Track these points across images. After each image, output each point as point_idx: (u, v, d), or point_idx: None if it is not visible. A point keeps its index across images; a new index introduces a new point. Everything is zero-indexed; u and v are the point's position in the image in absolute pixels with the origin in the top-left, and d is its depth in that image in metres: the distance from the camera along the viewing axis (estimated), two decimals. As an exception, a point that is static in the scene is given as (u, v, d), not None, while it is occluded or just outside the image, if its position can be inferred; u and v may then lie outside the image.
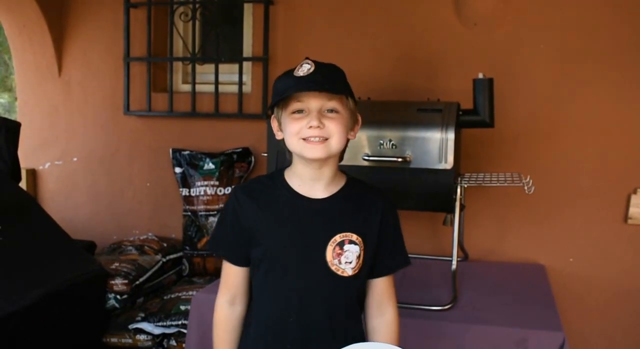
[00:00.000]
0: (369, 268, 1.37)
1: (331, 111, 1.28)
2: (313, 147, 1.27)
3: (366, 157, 2.17)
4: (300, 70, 1.28)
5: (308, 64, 1.29)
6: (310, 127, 1.26)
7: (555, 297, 2.19)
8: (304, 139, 1.27)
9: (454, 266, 2.14)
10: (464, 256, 2.66)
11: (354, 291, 1.36)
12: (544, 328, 1.85)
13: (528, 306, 2.07)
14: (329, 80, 1.28)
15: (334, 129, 1.27)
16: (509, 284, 2.36)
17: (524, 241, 2.72)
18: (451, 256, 2.15)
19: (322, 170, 1.33)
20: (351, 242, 1.32)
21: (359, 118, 1.39)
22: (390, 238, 1.40)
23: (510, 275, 2.50)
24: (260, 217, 1.34)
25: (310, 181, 1.34)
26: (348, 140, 1.35)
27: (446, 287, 2.18)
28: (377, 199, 1.39)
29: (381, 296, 1.42)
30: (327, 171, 1.34)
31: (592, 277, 2.65)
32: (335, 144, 1.29)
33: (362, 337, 1.41)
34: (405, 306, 1.88)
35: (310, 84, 1.25)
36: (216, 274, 2.95)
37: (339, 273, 1.31)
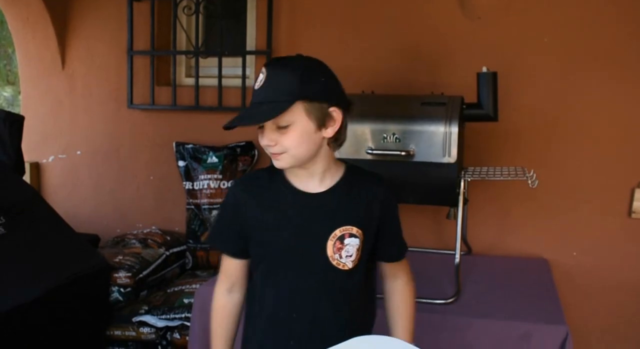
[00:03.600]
0: (368, 256, 1.37)
1: (283, 126, 1.23)
2: (278, 160, 1.28)
3: (370, 151, 2.17)
4: (257, 81, 1.25)
5: (263, 73, 1.24)
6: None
7: (558, 291, 2.19)
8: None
9: (457, 260, 2.14)
10: (468, 249, 2.66)
11: (355, 283, 1.35)
12: (547, 322, 1.86)
13: (531, 300, 2.07)
14: (272, 96, 1.22)
15: (287, 144, 1.24)
16: (512, 278, 2.36)
17: (527, 235, 2.71)
18: (454, 250, 2.15)
19: (312, 168, 1.31)
20: (351, 235, 1.31)
21: (335, 115, 1.26)
22: (392, 226, 1.41)
23: (513, 269, 2.50)
24: (260, 213, 1.33)
25: (304, 177, 1.33)
26: (330, 138, 1.29)
27: (449, 281, 2.18)
28: (375, 187, 1.37)
29: (395, 271, 1.45)
30: (317, 168, 1.31)
31: (595, 271, 2.64)
32: (297, 154, 1.25)
33: (370, 330, 1.41)
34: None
35: (244, 119, 1.27)
36: (219, 268, 2.96)
37: (340, 267, 1.31)
